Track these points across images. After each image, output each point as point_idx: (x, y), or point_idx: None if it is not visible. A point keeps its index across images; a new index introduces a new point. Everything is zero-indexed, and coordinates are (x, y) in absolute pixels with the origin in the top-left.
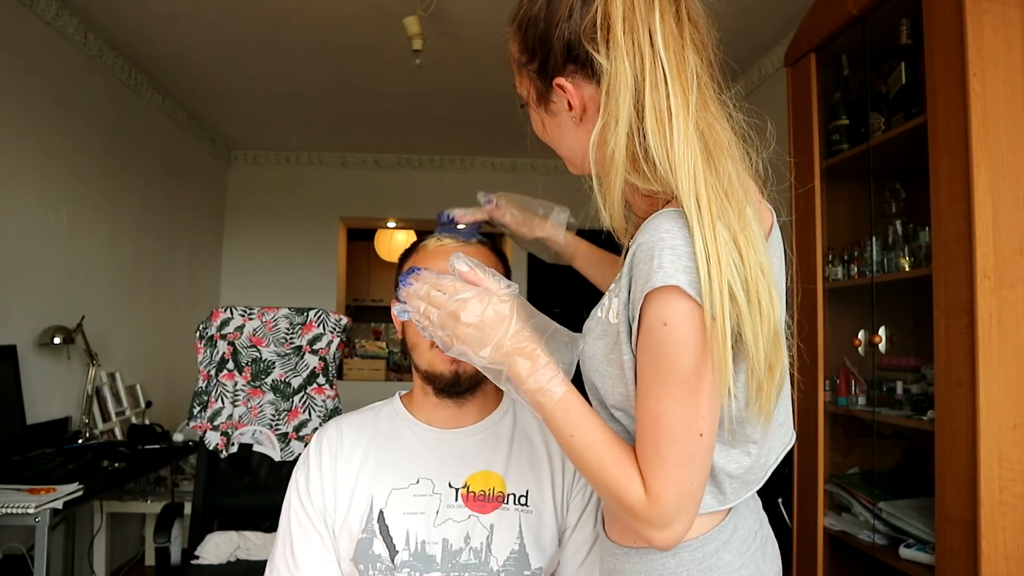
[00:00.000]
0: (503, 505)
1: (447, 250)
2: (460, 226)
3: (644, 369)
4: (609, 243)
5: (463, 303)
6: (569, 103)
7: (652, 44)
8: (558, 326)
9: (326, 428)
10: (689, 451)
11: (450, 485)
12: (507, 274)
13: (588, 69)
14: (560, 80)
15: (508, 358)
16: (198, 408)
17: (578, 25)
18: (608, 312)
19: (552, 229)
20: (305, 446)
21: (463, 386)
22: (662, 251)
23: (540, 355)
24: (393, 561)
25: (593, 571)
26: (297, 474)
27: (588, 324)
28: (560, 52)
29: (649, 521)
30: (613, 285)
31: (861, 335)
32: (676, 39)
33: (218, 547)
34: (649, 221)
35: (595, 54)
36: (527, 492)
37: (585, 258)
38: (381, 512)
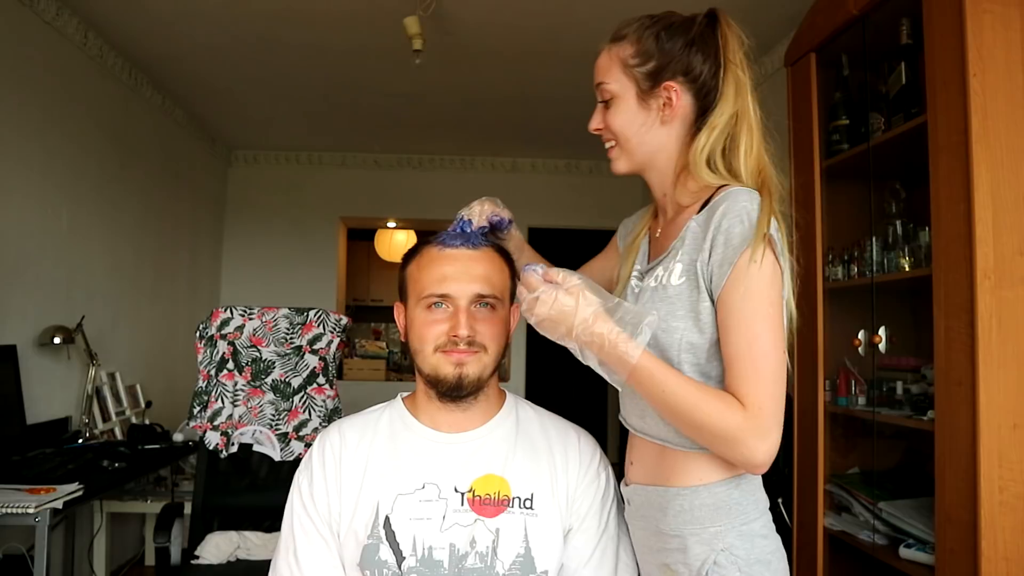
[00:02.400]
0: (508, 509)
1: (448, 256)
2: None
3: (734, 304)
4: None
5: (534, 300)
6: (670, 103)
7: (748, 90)
8: (627, 305)
9: (328, 432)
10: (779, 368)
11: (456, 490)
12: (512, 273)
13: (695, 85)
14: (672, 84)
15: (579, 341)
16: (198, 408)
17: (700, 54)
18: (667, 277)
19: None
20: (305, 446)
21: (465, 390)
22: (753, 214)
23: (608, 335)
24: (400, 567)
25: (598, 570)
26: (299, 478)
27: (636, 296)
28: (678, 65)
29: (753, 433)
30: (664, 258)
31: (861, 335)
32: (753, 87)
33: (218, 547)
34: (724, 195)
35: (720, 83)
36: (532, 495)
37: (529, 257)
38: (387, 518)
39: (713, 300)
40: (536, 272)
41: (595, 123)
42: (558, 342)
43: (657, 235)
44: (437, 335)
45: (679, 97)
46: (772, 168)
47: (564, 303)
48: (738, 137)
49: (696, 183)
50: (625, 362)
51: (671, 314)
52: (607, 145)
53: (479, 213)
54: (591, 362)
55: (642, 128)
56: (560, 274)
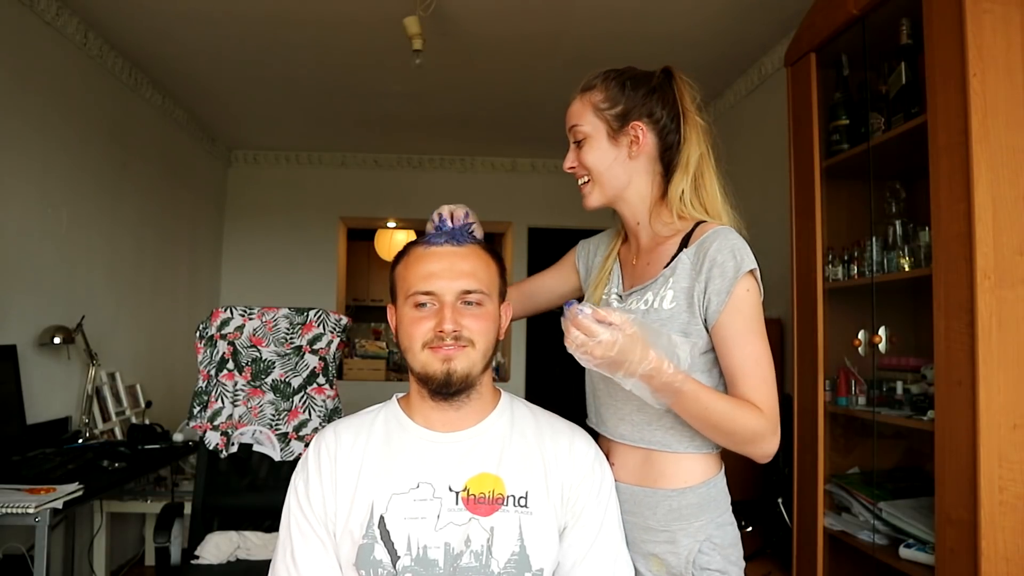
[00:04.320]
0: (503, 507)
1: (433, 254)
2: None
3: (736, 327)
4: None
5: (596, 345)
6: (637, 140)
7: (705, 135)
8: (669, 335)
9: (323, 433)
10: (773, 374)
11: (450, 489)
12: (500, 271)
13: (657, 126)
14: (639, 124)
15: (639, 377)
16: (198, 408)
17: (660, 101)
18: (658, 302)
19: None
20: (305, 446)
21: (454, 387)
22: (740, 250)
23: (665, 368)
24: (395, 566)
25: (593, 568)
26: (296, 479)
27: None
28: (642, 108)
29: (769, 431)
30: (652, 284)
31: (861, 335)
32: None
33: (218, 547)
34: (713, 233)
35: (681, 127)
36: (526, 493)
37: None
38: (382, 517)
39: (706, 322)
40: (586, 314)
41: (569, 162)
42: (606, 374)
43: (634, 262)
44: (424, 332)
45: (645, 135)
46: (728, 203)
47: (626, 348)
48: (703, 176)
49: (670, 215)
50: (676, 390)
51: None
52: (581, 182)
53: (449, 212)
54: (632, 386)
55: (614, 163)
56: (613, 314)
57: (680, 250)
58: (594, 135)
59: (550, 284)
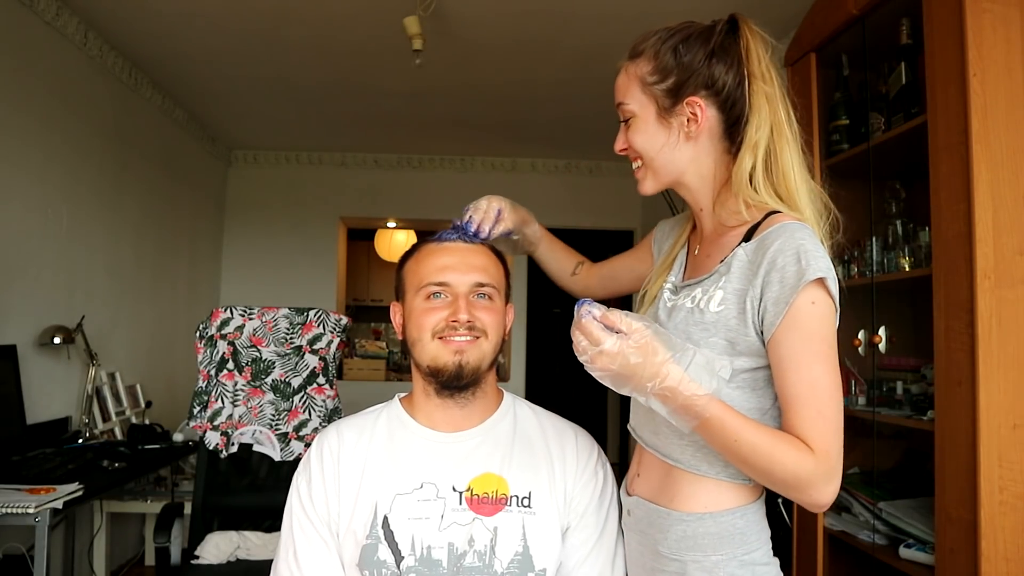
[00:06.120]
0: (506, 507)
1: (445, 249)
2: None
3: (793, 345)
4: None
5: (598, 355)
6: (695, 119)
7: (778, 100)
8: (698, 352)
9: (326, 433)
10: (840, 408)
11: (454, 489)
12: (506, 273)
13: (719, 97)
14: (695, 99)
15: (651, 397)
16: (198, 408)
17: (722, 64)
18: (705, 302)
19: (528, 224)
20: (305, 446)
21: (465, 379)
22: (808, 253)
23: (681, 389)
24: (399, 567)
25: (597, 568)
26: (298, 479)
27: (668, 312)
28: (699, 78)
29: (823, 478)
30: (704, 280)
31: (861, 335)
32: (791, 104)
33: (218, 547)
34: (778, 229)
35: (747, 95)
36: (529, 493)
37: (548, 246)
38: (386, 517)
39: (760, 334)
40: (594, 317)
41: (620, 144)
42: (611, 387)
43: (696, 252)
44: (436, 321)
45: (704, 112)
46: (817, 188)
47: (634, 360)
48: (779, 153)
49: (736, 202)
50: (698, 415)
51: (704, 340)
52: (634, 165)
53: (484, 209)
54: (646, 402)
55: (665, 147)
56: (623, 321)
57: (740, 244)
58: (641, 115)
59: (631, 264)
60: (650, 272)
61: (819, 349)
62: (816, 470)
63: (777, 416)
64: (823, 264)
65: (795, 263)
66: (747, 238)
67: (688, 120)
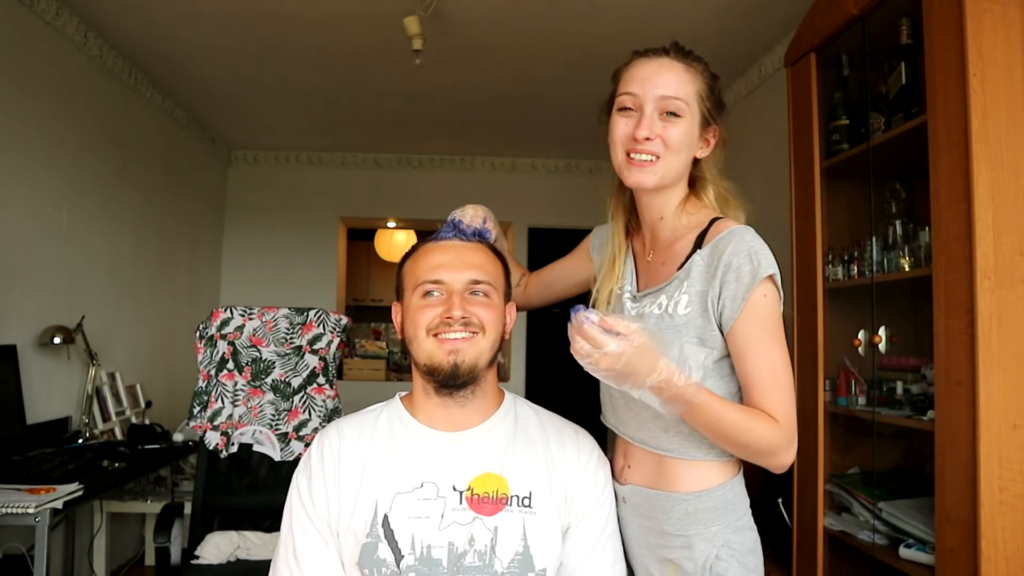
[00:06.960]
0: (507, 507)
1: (441, 247)
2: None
3: (751, 333)
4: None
5: (602, 357)
6: (708, 144)
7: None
8: (684, 344)
9: (326, 431)
10: (791, 382)
11: (454, 488)
12: (506, 272)
13: (719, 135)
14: (718, 129)
15: (647, 389)
16: (198, 408)
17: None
18: (672, 307)
19: (499, 240)
20: (305, 446)
21: (461, 378)
22: (758, 253)
23: (676, 381)
24: (399, 565)
25: (597, 568)
26: (298, 478)
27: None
28: (722, 113)
29: (784, 443)
30: (667, 287)
31: (861, 335)
32: None
33: (218, 547)
34: (728, 234)
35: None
36: (530, 493)
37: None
38: (386, 516)
39: (721, 328)
40: (592, 321)
41: (654, 130)
42: (613, 385)
43: (648, 258)
44: (430, 318)
45: (714, 141)
46: (734, 185)
47: (635, 360)
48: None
49: (696, 210)
50: (687, 401)
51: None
52: (646, 157)
53: (471, 216)
54: (640, 396)
55: (688, 153)
56: (621, 324)
57: (694, 250)
58: (690, 118)
59: (568, 271)
60: (587, 277)
61: (773, 334)
62: (783, 437)
63: (741, 397)
64: (771, 261)
65: (748, 263)
66: (699, 244)
67: (708, 142)
